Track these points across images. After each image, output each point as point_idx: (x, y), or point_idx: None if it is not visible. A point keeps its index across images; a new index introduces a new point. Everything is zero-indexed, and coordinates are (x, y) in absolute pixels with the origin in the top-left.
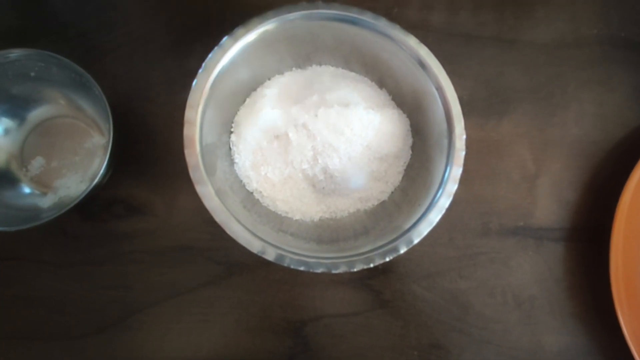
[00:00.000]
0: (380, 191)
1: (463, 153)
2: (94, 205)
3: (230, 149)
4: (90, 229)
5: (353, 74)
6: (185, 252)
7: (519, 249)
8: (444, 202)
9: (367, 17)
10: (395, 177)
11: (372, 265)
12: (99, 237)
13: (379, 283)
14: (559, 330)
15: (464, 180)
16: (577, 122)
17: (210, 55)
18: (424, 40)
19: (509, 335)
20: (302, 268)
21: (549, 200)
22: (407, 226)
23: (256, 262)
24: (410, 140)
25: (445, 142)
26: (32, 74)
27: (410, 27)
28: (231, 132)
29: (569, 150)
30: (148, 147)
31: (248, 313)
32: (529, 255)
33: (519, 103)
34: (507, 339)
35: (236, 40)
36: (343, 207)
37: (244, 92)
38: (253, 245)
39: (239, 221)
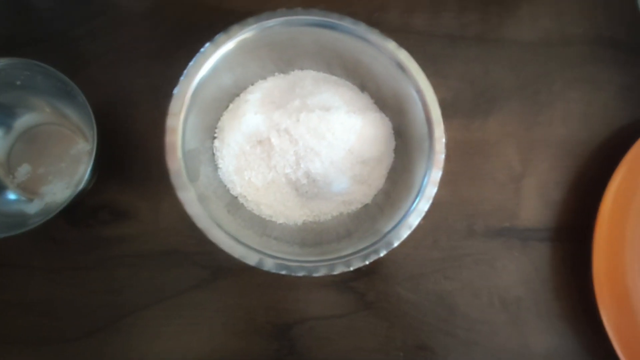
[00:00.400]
0: (363, 194)
1: (442, 156)
2: (80, 211)
3: (213, 154)
4: (77, 235)
5: (335, 78)
6: (171, 256)
7: (505, 250)
8: (423, 205)
9: (347, 23)
10: (378, 181)
11: (352, 269)
12: (86, 242)
13: (363, 285)
14: (546, 331)
15: (449, 181)
16: (563, 121)
17: (191, 63)
18: (405, 42)
19: (495, 337)
20: (283, 272)
21: (535, 200)
22: (387, 229)
23: (241, 266)
24: (393, 143)
25: (426, 144)
26: (18, 82)
27: (392, 31)
28: (214, 138)
29: (555, 149)
30: (133, 153)
31: (234, 316)
32: (515, 256)
33: (505, 102)
34: (493, 340)
35: (217, 47)
36: (326, 210)
37: (226, 97)
38: (235, 250)
39: (220, 226)
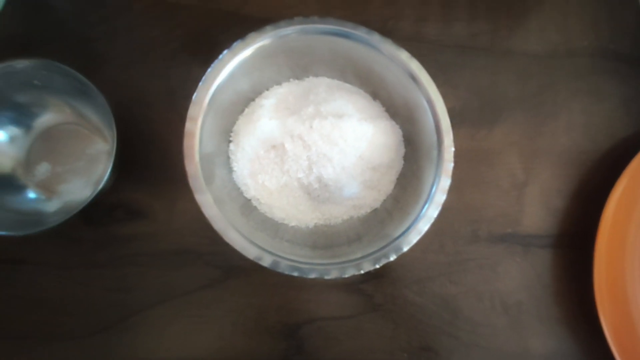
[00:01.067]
0: (373, 199)
1: (451, 165)
2: (96, 210)
3: (228, 157)
4: (92, 233)
5: (348, 85)
6: (184, 255)
7: (507, 256)
8: (432, 212)
9: (361, 32)
10: (387, 186)
11: (362, 272)
12: (101, 240)
13: (372, 287)
14: (546, 335)
15: (454, 188)
16: (566, 132)
17: (209, 70)
18: (418, 51)
19: (497, 339)
20: (295, 274)
21: (537, 208)
22: (397, 234)
23: (253, 267)
24: (402, 150)
25: (435, 153)
26: (36, 82)
27: (405, 39)
28: (230, 141)
29: (558, 159)
30: (148, 154)
31: (244, 316)
32: (517, 262)
33: (510, 112)
34: (494, 343)
35: (235, 54)
36: (337, 214)
37: (242, 102)
38: (249, 252)
39: (236, 228)
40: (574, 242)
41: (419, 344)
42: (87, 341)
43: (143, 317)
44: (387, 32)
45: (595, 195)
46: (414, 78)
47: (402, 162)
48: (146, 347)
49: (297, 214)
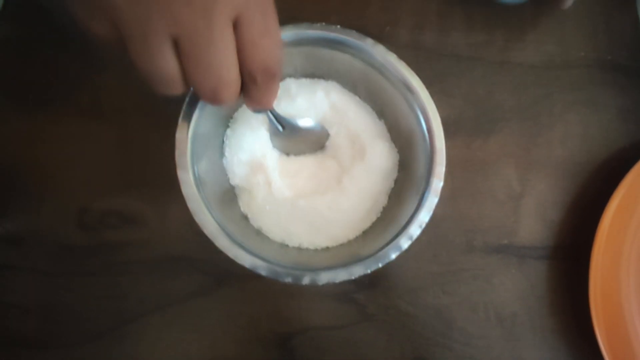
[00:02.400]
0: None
1: (436, 200)
2: (88, 216)
3: (223, 141)
4: (84, 239)
5: (357, 99)
6: (176, 262)
7: (502, 267)
8: (391, 255)
9: (379, 53)
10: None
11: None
12: (92, 247)
13: (364, 297)
14: (540, 347)
15: (449, 197)
16: (562, 143)
17: None
18: (414, 59)
19: (491, 351)
20: (274, 277)
21: (533, 219)
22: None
23: (245, 274)
24: (395, 174)
25: (423, 185)
26: None
27: (402, 46)
28: (228, 127)
29: (553, 170)
30: (142, 160)
31: (236, 325)
32: (512, 273)
33: (506, 123)
34: (489, 355)
35: None
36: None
37: None
38: (219, 240)
39: (211, 213)
40: (570, 253)
41: (412, 356)
42: (78, 350)
43: (136, 325)
44: (384, 38)
45: (591, 207)
46: (424, 113)
47: (392, 185)
48: (138, 356)
49: (281, 230)
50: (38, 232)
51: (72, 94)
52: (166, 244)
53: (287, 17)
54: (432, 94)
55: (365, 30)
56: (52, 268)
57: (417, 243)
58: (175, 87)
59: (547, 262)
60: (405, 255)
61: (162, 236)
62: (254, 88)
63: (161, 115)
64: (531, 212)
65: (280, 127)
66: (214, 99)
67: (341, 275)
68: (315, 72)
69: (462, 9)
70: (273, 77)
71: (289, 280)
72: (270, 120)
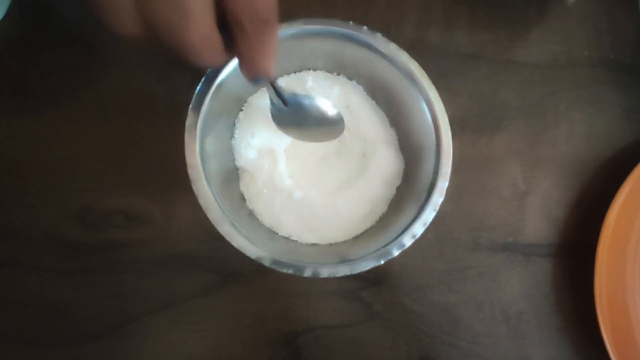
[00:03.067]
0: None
1: (433, 214)
2: (92, 214)
3: (234, 123)
4: (90, 238)
5: (373, 103)
6: (182, 261)
7: (508, 265)
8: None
9: (402, 59)
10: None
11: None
12: (98, 246)
13: (370, 295)
14: (546, 344)
15: (455, 194)
16: (567, 141)
17: None
18: (420, 57)
19: (497, 349)
20: (267, 263)
21: (538, 217)
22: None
23: (252, 272)
24: (398, 182)
25: (424, 196)
26: None
27: (407, 44)
28: (241, 110)
29: (558, 168)
30: (149, 158)
31: (242, 323)
32: (518, 271)
33: (511, 121)
34: (495, 353)
35: None
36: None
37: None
38: (215, 215)
39: (210, 187)
40: (575, 251)
41: (419, 354)
42: (84, 348)
43: (141, 324)
44: (390, 36)
45: (596, 205)
46: (435, 123)
47: (394, 192)
48: (145, 354)
49: (280, 223)
50: (42, 230)
51: (78, 93)
52: (171, 243)
53: (292, 14)
54: (438, 92)
55: (370, 28)
56: (56, 266)
57: (423, 240)
58: (127, 20)
59: (552, 260)
60: (411, 252)
61: (167, 235)
62: (243, 40)
63: (167, 115)
64: (536, 209)
65: (282, 104)
66: (178, 42)
67: (343, 270)
68: (337, 70)
69: (467, 7)
70: (266, 25)
71: (290, 271)
72: (270, 94)
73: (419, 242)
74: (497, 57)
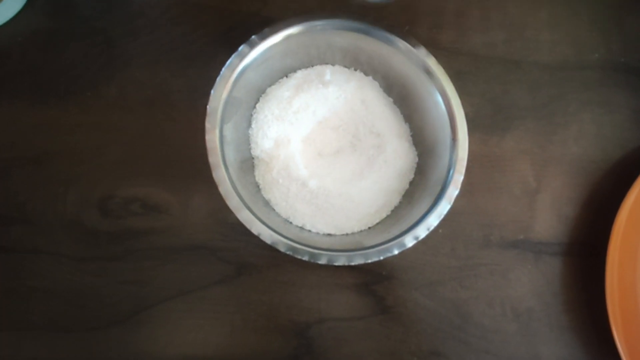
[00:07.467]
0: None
1: (448, 207)
2: (112, 203)
3: (252, 114)
4: (108, 226)
5: (389, 99)
6: (197, 251)
7: (519, 262)
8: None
9: (420, 54)
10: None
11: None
12: (116, 233)
13: (383, 289)
14: (555, 343)
15: (467, 191)
16: (577, 141)
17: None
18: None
19: (507, 346)
20: (283, 249)
21: (549, 215)
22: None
23: (266, 263)
24: (411, 176)
25: (438, 189)
26: None
27: (421, 44)
28: (258, 100)
29: (568, 167)
30: (167, 150)
31: (256, 313)
32: (528, 269)
33: (522, 121)
34: (504, 350)
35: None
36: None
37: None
38: (231, 198)
39: (228, 172)
40: (585, 250)
41: (429, 349)
42: (100, 333)
43: (156, 310)
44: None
45: (606, 204)
46: (451, 119)
47: (407, 187)
48: (159, 341)
49: (295, 211)
50: (64, 217)
51: (100, 86)
52: (188, 232)
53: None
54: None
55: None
56: (76, 253)
57: (434, 237)
58: None
59: (563, 259)
60: (422, 248)
61: (184, 224)
62: None
63: (185, 108)
64: (547, 208)
65: None
66: None
67: (357, 259)
68: (354, 66)
69: (479, 9)
70: None
71: (305, 258)
72: None
73: (430, 238)
74: (508, 57)
